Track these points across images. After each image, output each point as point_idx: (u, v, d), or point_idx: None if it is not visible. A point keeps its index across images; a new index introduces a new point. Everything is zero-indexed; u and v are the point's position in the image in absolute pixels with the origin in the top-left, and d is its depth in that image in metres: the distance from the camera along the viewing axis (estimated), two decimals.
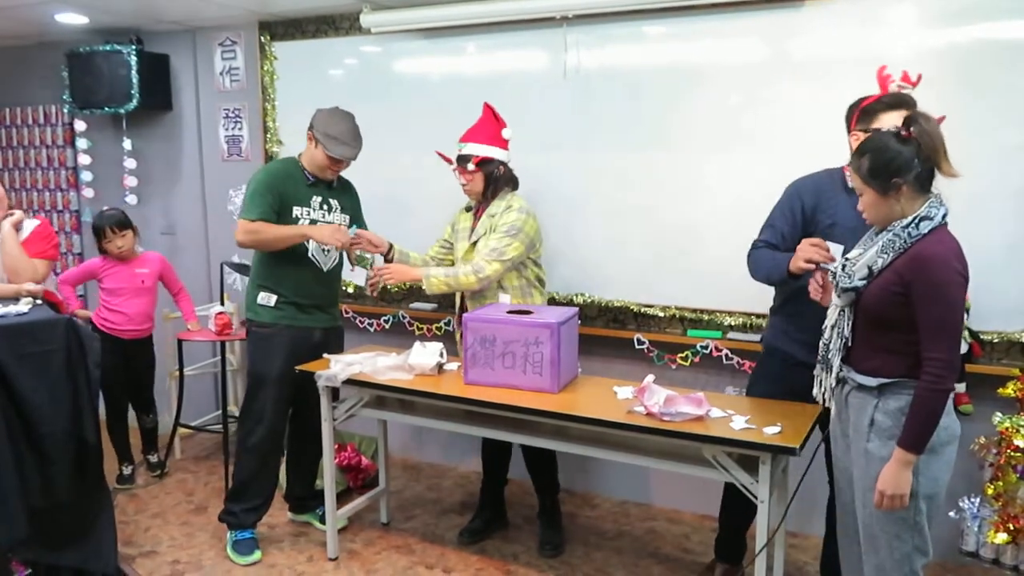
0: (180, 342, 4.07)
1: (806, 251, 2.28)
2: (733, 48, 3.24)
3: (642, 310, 3.52)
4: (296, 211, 3.17)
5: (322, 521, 3.37)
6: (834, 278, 2.10)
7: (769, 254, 2.55)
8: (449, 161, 3.26)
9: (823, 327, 2.19)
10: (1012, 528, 2.37)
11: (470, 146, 3.19)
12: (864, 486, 2.06)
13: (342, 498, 3.56)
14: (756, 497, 2.37)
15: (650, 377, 2.58)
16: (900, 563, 2.02)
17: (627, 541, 3.41)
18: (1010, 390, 2.58)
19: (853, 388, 2.11)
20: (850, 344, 2.10)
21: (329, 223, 3.23)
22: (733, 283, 3.30)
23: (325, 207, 3.23)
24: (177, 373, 4.22)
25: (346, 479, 3.83)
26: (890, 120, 2.28)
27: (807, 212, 2.55)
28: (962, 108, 2.63)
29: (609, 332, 3.58)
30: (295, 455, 3.52)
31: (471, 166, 3.16)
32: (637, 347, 3.52)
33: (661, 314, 3.48)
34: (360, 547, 3.34)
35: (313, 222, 3.20)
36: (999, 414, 2.57)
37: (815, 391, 2.23)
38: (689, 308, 3.44)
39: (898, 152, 1.95)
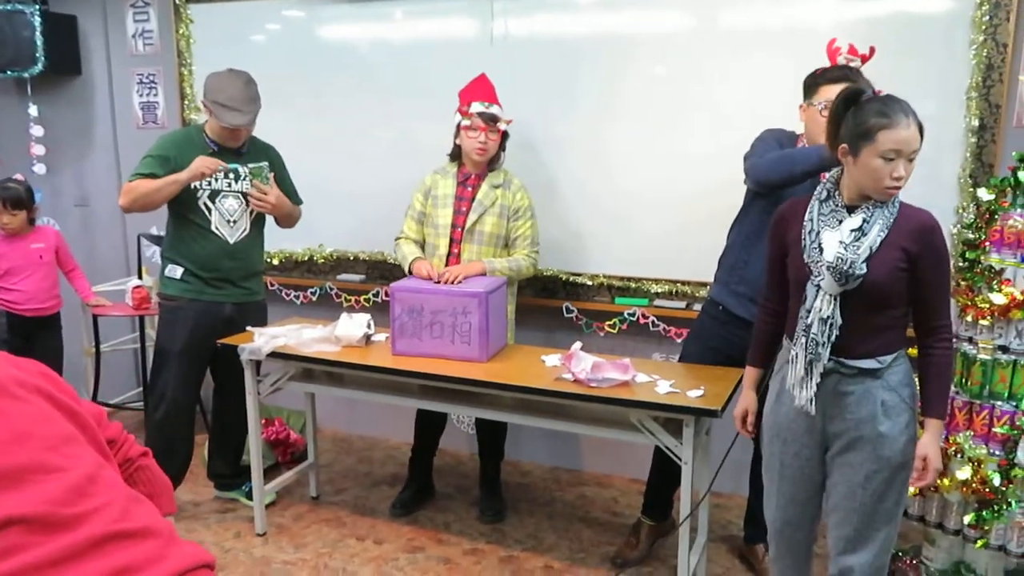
0: (96, 318, 3.92)
1: None
2: (663, 18, 3.26)
3: (571, 279, 3.54)
4: (195, 182, 3.06)
5: (249, 497, 3.31)
6: (844, 265, 1.90)
7: (793, 149, 2.55)
8: (467, 115, 3.05)
9: (807, 322, 1.97)
10: None
11: (497, 108, 3.10)
12: (870, 470, 1.98)
13: (270, 473, 3.51)
14: (680, 459, 2.43)
15: (577, 344, 2.61)
16: (892, 529, 2.05)
17: (558, 507, 3.46)
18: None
19: (846, 377, 1.98)
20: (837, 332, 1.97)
21: (236, 193, 3.13)
22: (660, 252, 3.37)
23: (231, 175, 3.12)
24: (93, 350, 4.07)
25: (274, 454, 3.77)
26: (830, 93, 2.30)
27: None
28: (882, 79, 2.69)
29: (538, 301, 3.59)
30: (218, 432, 3.44)
31: (503, 125, 3.09)
32: (566, 315, 3.54)
33: (589, 283, 3.50)
34: (289, 521, 3.30)
35: (216, 192, 3.10)
36: None
37: (802, 399, 2.01)
38: (617, 276, 3.47)
39: None
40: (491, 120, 3.06)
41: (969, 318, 2.48)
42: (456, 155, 3.18)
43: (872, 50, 2.56)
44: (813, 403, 2.01)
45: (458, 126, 3.11)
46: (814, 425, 2.06)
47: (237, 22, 3.98)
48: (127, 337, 4.40)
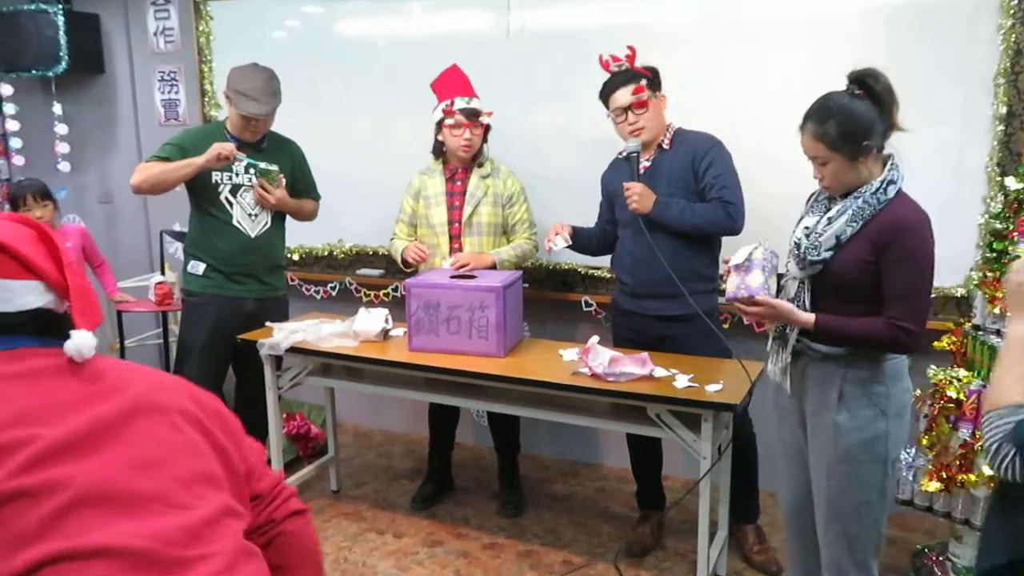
0: (120, 313, 3.97)
1: (550, 235, 2.84)
2: (680, 9, 3.22)
3: (589, 272, 3.52)
4: (215, 176, 3.08)
5: None
6: (799, 250, 1.97)
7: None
8: (451, 113, 3.05)
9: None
10: (944, 476, 2.43)
11: (477, 101, 3.08)
12: (830, 459, 2.00)
13: (291, 467, 3.53)
14: (699, 453, 2.41)
15: (594, 338, 2.59)
16: (869, 529, 2.00)
17: (577, 501, 3.44)
18: (944, 343, 2.63)
19: (815, 360, 2.02)
20: None
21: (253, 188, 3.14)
22: None
23: (252, 170, 3.12)
24: (117, 345, 4.12)
25: (295, 448, 3.79)
26: (617, 101, 2.72)
27: (606, 186, 3.01)
28: (906, 67, 2.65)
29: (556, 295, 3.58)
30: None
31: (485, 119, 3.07)
32: (584, 309, 3.52)
33: (608, 276, 3.48)
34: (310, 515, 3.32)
35: (236, 187, 3.12)
36: (933, 367, 2.63)
37: (769, 367, 2.16)
38: None
39: (864, 112, 1.86)
40: (474, 115, 3.03)
41: (996, 310, 2.43)
42: (439, 152, 3.16)
43: (632, 49, 2.73)
44: (780, 377, 2.11)
45: (440, 123, 3.09)
46: (796, 404, 2.13)
47: (256, 18, 4.00)
48: (151, 332, 4.45)
